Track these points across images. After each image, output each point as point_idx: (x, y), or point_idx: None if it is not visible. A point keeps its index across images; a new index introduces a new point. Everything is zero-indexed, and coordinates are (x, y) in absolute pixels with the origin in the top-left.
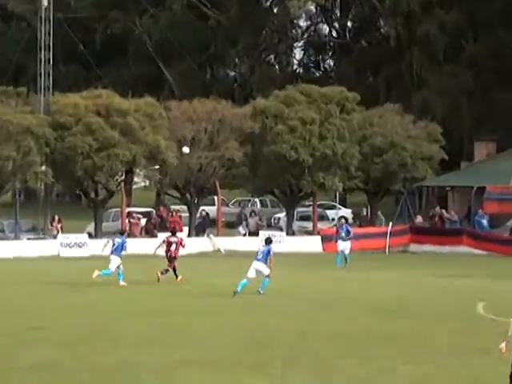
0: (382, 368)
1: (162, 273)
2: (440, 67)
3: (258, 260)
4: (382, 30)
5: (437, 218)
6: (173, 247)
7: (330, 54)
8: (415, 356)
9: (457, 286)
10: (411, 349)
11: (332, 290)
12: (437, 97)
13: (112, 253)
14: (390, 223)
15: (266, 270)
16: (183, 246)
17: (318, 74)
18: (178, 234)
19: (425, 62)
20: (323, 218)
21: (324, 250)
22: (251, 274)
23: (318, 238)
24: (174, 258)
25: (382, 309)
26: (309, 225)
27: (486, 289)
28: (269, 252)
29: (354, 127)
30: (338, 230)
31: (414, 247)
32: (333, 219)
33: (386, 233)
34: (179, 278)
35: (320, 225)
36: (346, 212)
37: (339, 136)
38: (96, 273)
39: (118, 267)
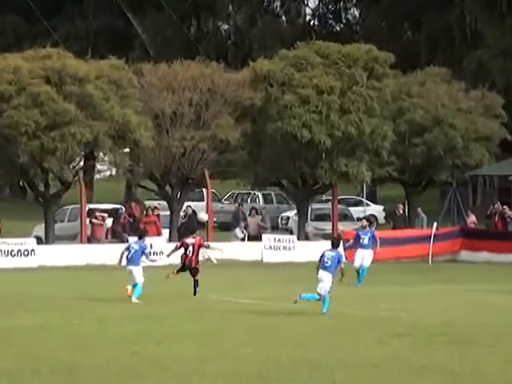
0: None
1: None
2: (502, 19)
3: (326, 269)
4: None
5: (497, 218)
6: (190, 250)
7: (355, 0)
8: None
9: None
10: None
11: (357, 309)
12: (497, 58)
13: (129, 263)
14: (435, 224)
15: (328, 284)
16: (206, 247)
17: (338, 28)
18: (156, 239)
19: (482, 11)
20: (346, 217)
21: (347, 258)
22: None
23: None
24: (194, 267)
25: (420, 333)
26: (327, 226)
27: None
28: (339, 259)
29: (387, 98)
30: (358, 235)
31: (465, 255)
32: (358, 219)
33: (430, 236)
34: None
35: (341, 226)
36: (377, 210)
37: (367, 110)
38: (129, 289)
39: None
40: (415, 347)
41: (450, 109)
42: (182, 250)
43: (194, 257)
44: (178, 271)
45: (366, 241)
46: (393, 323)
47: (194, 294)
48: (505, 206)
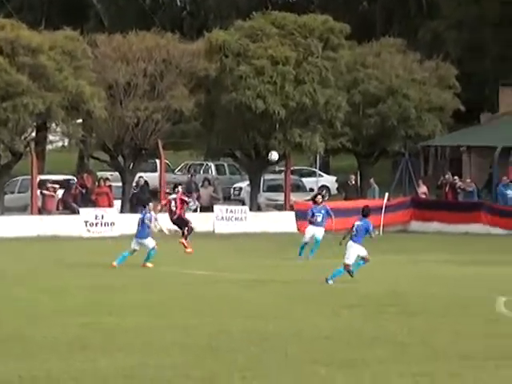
0: (372, 377)
1: (185, 237)
2: None
3: (355, 241)
4: None
5: (447, 188)
6: (174, 205)
7: None
8: (413, 364)
9: (471, 275)
10: (408, 355)
11: (308, 281)
12: (451, 29)
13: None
14: (386, 194)
15: (356, 253)
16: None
17: None
18: (108, 210)
19: None
20: (299, 188)
21: (299, 229)
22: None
23: (292, 214)
24: (179, 218)
25: (371, 304)
26: (279, 197)
27: (509, 279)
28: (367, 229)
29: (342, 69)
30: (312, 212)
31: (416, 225)
32: (311, 190)
33: (381, 207)
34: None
35: (294, 197)
36: (329, 180)
37: (321, 80)
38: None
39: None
40: (366, 318)
41: (405, 79)
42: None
43: (177, 210)
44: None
45: (319, 219)
46: (344, 294)
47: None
48: (455, 177)
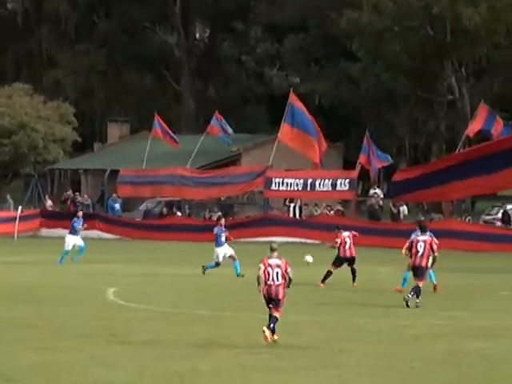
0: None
1: None
2: (71, 45)
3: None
4: (8, 6)
5: (69, 202)
6: None
7: None
8: (38, 340)
9: (90, 271)
10: (33, 333)
11: None
12: (69, 76)
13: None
14: (20, 207)
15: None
16: None
17: None
18: None
19: (55, 40)
20: None
21: None
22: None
23: None
24: None
25: (2, 295)
26: None
27: (117, 274)
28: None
29: None
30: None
31: (45, 232)
32: None
33: (15, 217)
34: None
35: None
36: None
37: None
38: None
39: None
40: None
41: (33, 116)
42: None
43: None
44: None
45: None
46: None
47: None
48: (76, 193)
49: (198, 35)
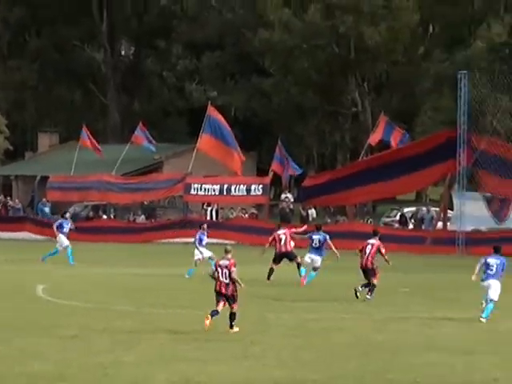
0: None
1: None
2: (4, 61)
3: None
4: None
5: (1, 206)
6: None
7: None
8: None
9: (17, 270)
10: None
11: None
12: (1, 90)
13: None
14: None
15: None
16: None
17: None
18: None
19: None
20: None
21: None
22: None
23: None
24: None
25: None
26: None
27: (46, 273)
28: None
29: None
30: None
31: None
32: None
33: None
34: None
35: None
36: None
37: None
38: None
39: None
40: None
41: None
42: None
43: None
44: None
45: None
46: None
47: None
48: (8, 198)
49: (123, 52)
